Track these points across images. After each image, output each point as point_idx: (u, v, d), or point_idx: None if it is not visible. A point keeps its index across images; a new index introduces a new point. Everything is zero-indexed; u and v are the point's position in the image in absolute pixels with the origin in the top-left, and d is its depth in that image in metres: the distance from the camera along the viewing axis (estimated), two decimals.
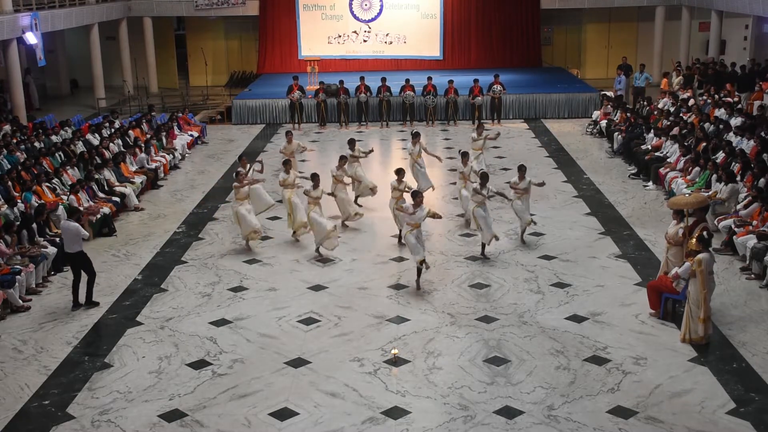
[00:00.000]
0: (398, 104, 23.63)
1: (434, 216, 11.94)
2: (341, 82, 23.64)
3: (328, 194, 13.89)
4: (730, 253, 12.71)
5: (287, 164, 14.40)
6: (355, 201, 15.39)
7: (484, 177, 13.14)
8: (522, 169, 13.70)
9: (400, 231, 13.30)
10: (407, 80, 23.42)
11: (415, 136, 16.13)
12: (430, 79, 23.58)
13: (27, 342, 10.44)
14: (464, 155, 14.62)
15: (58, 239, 12.75)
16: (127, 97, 27.70)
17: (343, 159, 14.83)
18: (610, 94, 23.70)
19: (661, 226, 13.55)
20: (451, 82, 23.39)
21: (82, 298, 11.48)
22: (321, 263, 12.94)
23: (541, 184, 13.91)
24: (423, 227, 12.02)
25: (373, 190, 15.61)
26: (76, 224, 11.38)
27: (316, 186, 13.27)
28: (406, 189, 13.37)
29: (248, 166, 14.67)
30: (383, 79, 23.50)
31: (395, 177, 13.58)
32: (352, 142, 15.90)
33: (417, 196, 11.91)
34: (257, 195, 14.48)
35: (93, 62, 26.96)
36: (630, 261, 12.70)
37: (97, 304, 11.47)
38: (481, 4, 29.22)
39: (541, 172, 18.09)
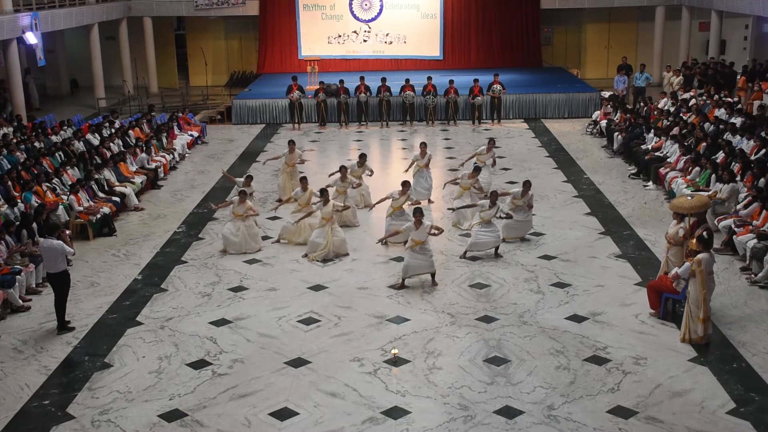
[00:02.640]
0: (398, 104, 23.62)
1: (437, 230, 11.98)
2: (341, 81, 23.63)
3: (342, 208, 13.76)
4: (730, 253, 12.72)
5: (303, 181, 14.24)
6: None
7: (493, 195, 13.11)
8: (527, 185, 13.69)
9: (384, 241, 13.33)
10: (407, 80, 23.39)
11: (423, 145, 16.05)
12: (430, 79, 23.56)
13: (27, 342, 10.44)
14: (477, 170, 14.74)
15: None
16: (127, 97, 27.68)
17: (343, 169, 14.67)
18: (610, 93, 23.67)
19: (661, 226, 13.56)
20: (451, 82, 23.39)
21: (68, 318, 10.89)
22: (321, 263, 12.94)
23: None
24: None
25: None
26: (60, 242, 10.64)
27: (326, 201, 13.14)
28: (409, 203, 13.38)
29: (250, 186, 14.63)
30: (383, 79, 23.47)
31: (399, 189, 13.57)
32: (363, 157, 15.75)
33: (417, 213, 11.85)
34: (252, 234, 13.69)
35: (93, 62, 26.94)
36: (630, 261, 12.70)
37: (72, 329, 10.73)
38: (481, 4, 29.21)
39: (541, 172, 18.12)
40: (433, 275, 11.93)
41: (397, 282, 11.93)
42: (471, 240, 12.98)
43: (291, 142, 16.61)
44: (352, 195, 15.05)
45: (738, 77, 22.88)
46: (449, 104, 23.32)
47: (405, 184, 13.65)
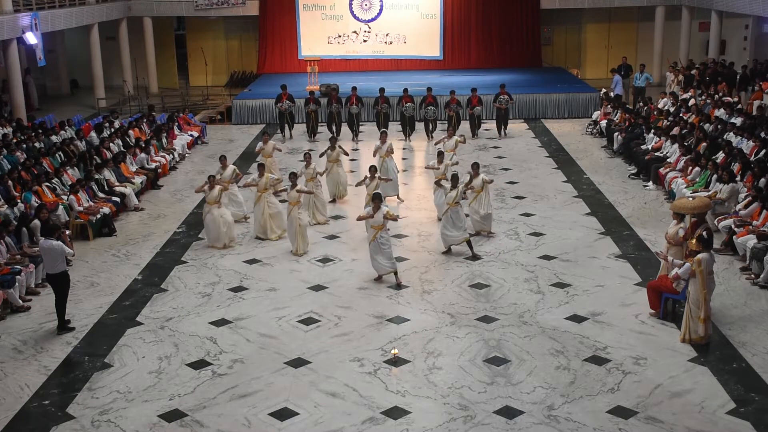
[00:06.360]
0: (397, 114, 22.24)
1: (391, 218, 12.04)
2: (335, 90, 22.48)
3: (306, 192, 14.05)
4: (730, 253, 12.72)
5: (261, 168, 14.59)
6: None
7: (454, 179, 13.17)
8: (475, 167, 13.91)
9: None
10: (405, 90, 21.85)
11: (383, 134, 16.65)
12: (429, 90, 21.87)
13: (27, 342, 10.44)
14: (440, 154, 15.19)
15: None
16: (127, 97, 27.69)
17: (307, 155, 15.24)
18: (610, 93, 23.67)
19: (661, 226, 13.56)
20: (452, 92, 21.74)
21: (68, 318, 10.88)
22: (321, 263, 12.94)
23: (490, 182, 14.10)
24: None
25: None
26: (59, 242, 10.61)
27: (293, 186, 13.39)
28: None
29: (229, 167, 15.00)
30: (381, 90, 21.91)
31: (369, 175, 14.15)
32: (333, 140, 16.36)
33: (376, 198, 12.10)
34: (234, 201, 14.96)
35: (93, 62, 26.96)
36: (630, 261, 12.70)
37: (72, 329, 10.75)
38: (481, 4, 29.22)
39: (541, 173, 18.13)
40: (395, 274, 11.97)
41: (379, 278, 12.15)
42: (440, 233, 13.12)
43: (265, 134, 17.28)
44: (304, 202, 14.48)
45: (738, 78, 22.90)
46: (451, 119, 21.24)
47: (372, 169, 14.18)
